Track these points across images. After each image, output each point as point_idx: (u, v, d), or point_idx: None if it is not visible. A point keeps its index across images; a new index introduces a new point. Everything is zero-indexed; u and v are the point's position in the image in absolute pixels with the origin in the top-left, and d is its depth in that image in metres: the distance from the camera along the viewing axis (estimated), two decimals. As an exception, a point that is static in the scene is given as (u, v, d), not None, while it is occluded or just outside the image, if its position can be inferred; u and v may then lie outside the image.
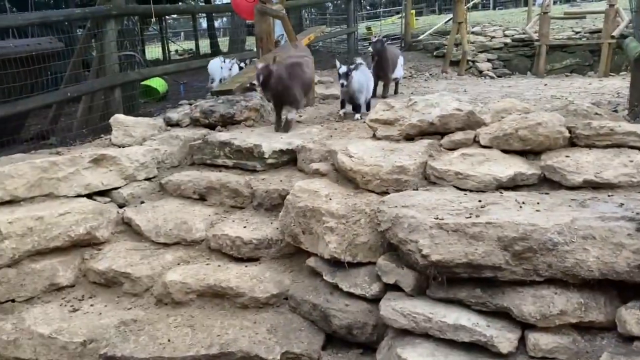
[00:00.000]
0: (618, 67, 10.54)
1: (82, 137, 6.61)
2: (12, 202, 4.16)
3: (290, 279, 3.83)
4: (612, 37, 9.82)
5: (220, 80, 7.83)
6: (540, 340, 2.74)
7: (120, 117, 5.44)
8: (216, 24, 28.76)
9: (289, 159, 4.63)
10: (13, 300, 3.90)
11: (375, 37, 7.01)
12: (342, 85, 5.38)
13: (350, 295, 3.43)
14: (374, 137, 4.26)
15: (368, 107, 6.05)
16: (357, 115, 5.62)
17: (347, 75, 5.34)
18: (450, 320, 2.85)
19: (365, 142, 4.17)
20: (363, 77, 5.71)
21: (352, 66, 5.49)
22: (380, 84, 7.12)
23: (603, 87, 6.99)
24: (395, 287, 3.21)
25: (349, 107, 5.70)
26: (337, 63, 5.48)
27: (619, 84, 6.97)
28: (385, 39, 7.86)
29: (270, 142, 4.67)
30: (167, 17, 24.64)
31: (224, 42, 21.59)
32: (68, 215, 4.10)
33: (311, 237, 3.67)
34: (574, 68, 12.02)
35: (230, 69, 7.92)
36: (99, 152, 4.64)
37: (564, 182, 3.37)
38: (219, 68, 8.01)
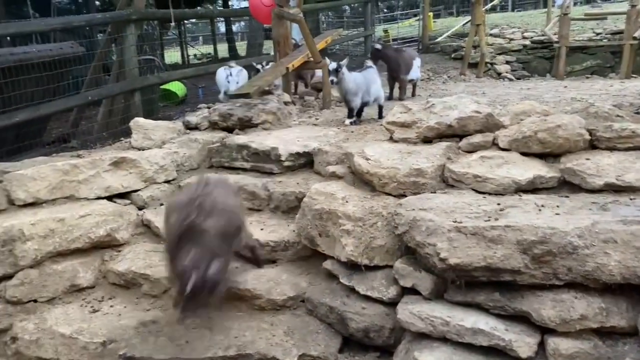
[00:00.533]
0: (640, 69, 10.37)
1: (102, 140, 6.71)
2: (34, 204, 4.24)
3: (307, 281, 3.83)
4: (634, 38, 9.67)
5: (225, 93, 7.16)
6: (561, 345, 2.70)
7: (140, 120, 5.51)
8: (234, 28, 28.97)
9: (306, 162, 4.64)
10: (35, 301, 3.97)
11: (374, 43, 6.90)
12: (332, 82, 5.34)
13: (367, 298, 3.42)
14: (391, 139, 4.25)
15: (380, 113, 6.02)
16: (348, 121, 5.52)
17: (336, 71, 5.29)
18: (469, 324, 2.83)
19: (382, 144, 4.16)
20: (361, 79, 5.59)
21: (342, 62, 5.44)
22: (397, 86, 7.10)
23: (625, 89, 6.88)
24: (413, 291, 3.20)
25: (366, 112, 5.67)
26: (327, 60, 5.45)
27: (642, 86, 6.86)
28: (381, 45, 7.72)
29: (287, 145, 4.69)
30: (185, 21, 24.89)
31: (241, 46, 21.72)
32: (88, 217, 4.16)
33: (328, 240, 3.67)
34: (594, 70, 11.85)
35: (237, 82, 7.12)
36: (119, 155, 4.71)
37: (584, 185, 3.32)
38: (224, 79, 7.28)
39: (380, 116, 5.92)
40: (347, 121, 5.62)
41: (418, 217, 3.09)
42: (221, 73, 7.38)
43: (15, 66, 5.92)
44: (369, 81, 5.72)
